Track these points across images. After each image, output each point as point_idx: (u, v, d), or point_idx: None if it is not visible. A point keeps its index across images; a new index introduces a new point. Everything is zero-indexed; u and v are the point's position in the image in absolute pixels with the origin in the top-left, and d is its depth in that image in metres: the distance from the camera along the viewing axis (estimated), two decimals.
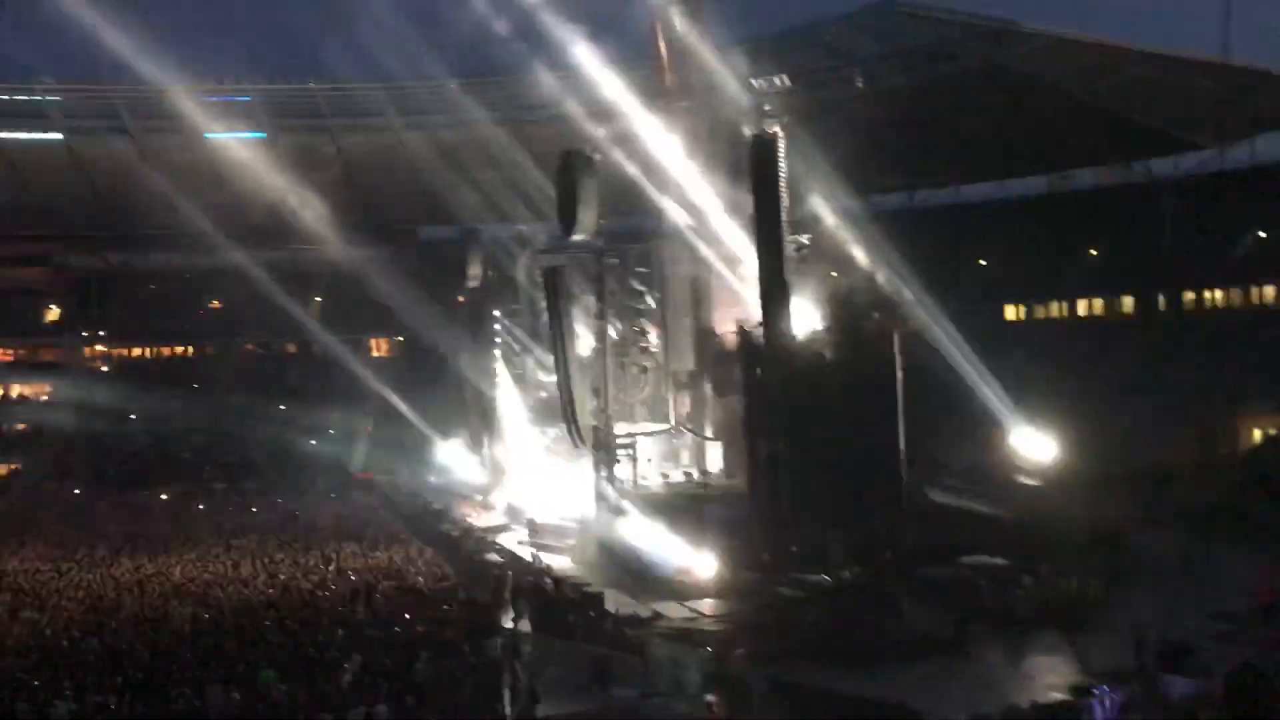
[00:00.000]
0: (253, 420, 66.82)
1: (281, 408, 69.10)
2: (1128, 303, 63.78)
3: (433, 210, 78.40)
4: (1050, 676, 23.60)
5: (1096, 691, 21.06)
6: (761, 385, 34.45)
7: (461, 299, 54.08)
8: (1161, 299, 62.14)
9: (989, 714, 19.69)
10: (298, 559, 36.75)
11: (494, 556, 38.83)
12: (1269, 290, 57.52)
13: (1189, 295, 61.25)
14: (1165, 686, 20.87)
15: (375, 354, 77.25)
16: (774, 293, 34.20)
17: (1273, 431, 47.81)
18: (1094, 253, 66.05)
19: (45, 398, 69.75)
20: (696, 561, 33.30)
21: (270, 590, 31.58)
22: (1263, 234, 58.50)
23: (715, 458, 41.33)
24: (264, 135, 73.87)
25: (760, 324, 34.76)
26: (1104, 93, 59.66)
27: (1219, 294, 60.24)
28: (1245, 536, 36.17)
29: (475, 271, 53.97)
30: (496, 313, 51.09)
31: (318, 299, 79.22)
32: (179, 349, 76.77)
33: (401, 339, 75.71)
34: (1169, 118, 60.28)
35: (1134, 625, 24.16)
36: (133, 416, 66.84)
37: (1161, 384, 52.70)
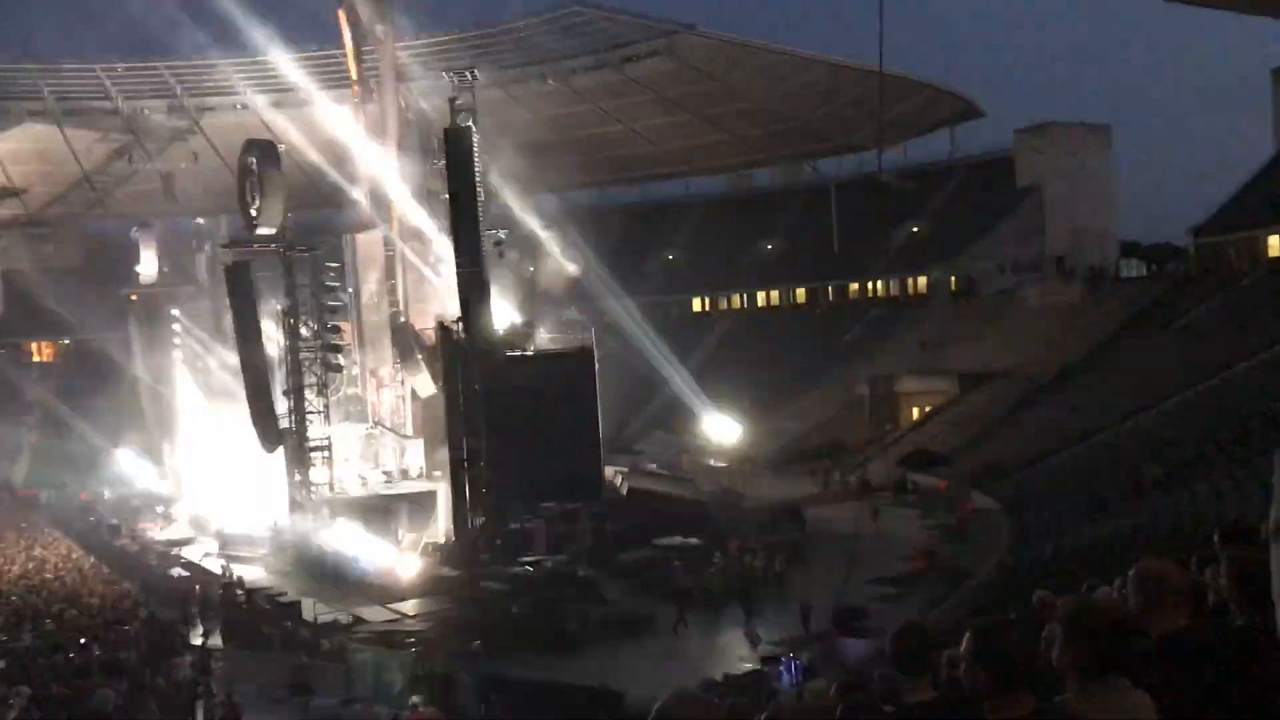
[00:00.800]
0: None
1: None
2: (800, 293, 68.24)
3: (100, 202, 72.76)
4: (741, 648, 25.05)
5: (783, 660, 22.58)
6: (462, 380, 34.36)
7: (134, 297, 50.52)
8: (830, 289, 66.88)
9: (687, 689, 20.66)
10: None
11: (179, 571, 36.63)
12: (921, 280, 63.17)
13: (854, 286, 66.26)
14: (842, 649, 22.65)
15: (37, 358, 70.69)
16: (473, 287, 34.16)
17: (927, 409, 52.56)
18: (770, 247, 70.31)
19: None
20: (398, 562, 32.89)
21: None
22: (914, 229, 64.25)
23: (416, 455, 40.85)
24: None
25: (459, 319, 34.66)
26: (777, 96, 63.56)
27: (879, 284, 65.55)
28: (906, 505, 39.76)
29: (149, 267, 50.54)
30: (175, 311, 48.13)
31: None
32: None
33: (68, 342, 69.72)
34: (833, 120, 65.02)
35: (800, 597, 26.14)
36: None
37: (834, 368, 56.90)
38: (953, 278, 61.57)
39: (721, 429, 50.49)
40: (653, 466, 48.90)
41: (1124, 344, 46.89)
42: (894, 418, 53.85)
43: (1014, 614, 7.54)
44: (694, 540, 32.70)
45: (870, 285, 65.98)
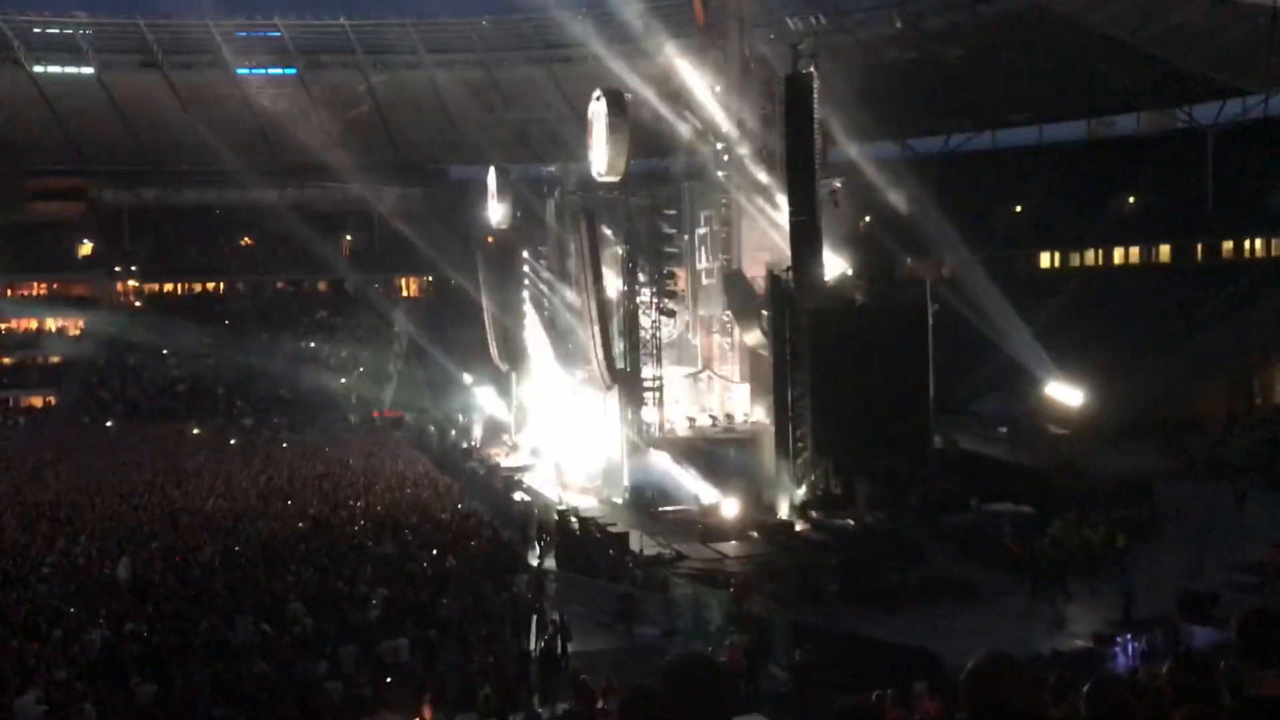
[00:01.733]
0: (283, 357, 67.38)
1: (311, 345, 69.58)
2: (1165, 251, 62.91)
3: (463, 150, 78.15)
4: (1074, 624, 23.61)
5: (1119, 639, 21.08)
6: (791, 329, 34.22)
7: (490, 239, 53.92)
8: (1199, 248, 61.23)
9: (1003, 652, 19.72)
10: (326, 494, 37.15)
11: (520, 495, 39.11)
12: None
13: (1228, 244, 60.30)
14: (1187, 636, 20.85)
15: (405, 293, 77.43)
16: (805, 236, 33.81)
17: None
18: (1132, 200, 65.10)
19: (78, 331, 70.48)
20: (721, 503, 33.47)
21: (299, 524, 31.96)
22: None
23: (742, 401, 41.27)
24: (294, 71, 73.64)
25: (790, 268, 34.46)
26: (1146, 36, 58.36)
27: (1259, 243, 59.26)
28: (1276, 489, 35.93)
29: (504, 212, 53.68)
30: (525, 254, 50.95)
31: (348, 237, 79.46)
32: (210, 285, 77.15)
33: (431, 279, 75.88)
34: (1213, 62, 58.94)
35: (1120, 584, 23.87)
36: (165, 351, 67.43)
37: (1197, 334, 52.13)
38: None
39: (1065, 394, 47.57)
40: (1003, 429, 46.79)
41: None
42: (1265, 391, 48.67)
43: None
44: (1026, 508, 31.08)
45: (1248, 244, 59.78)
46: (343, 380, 65.79)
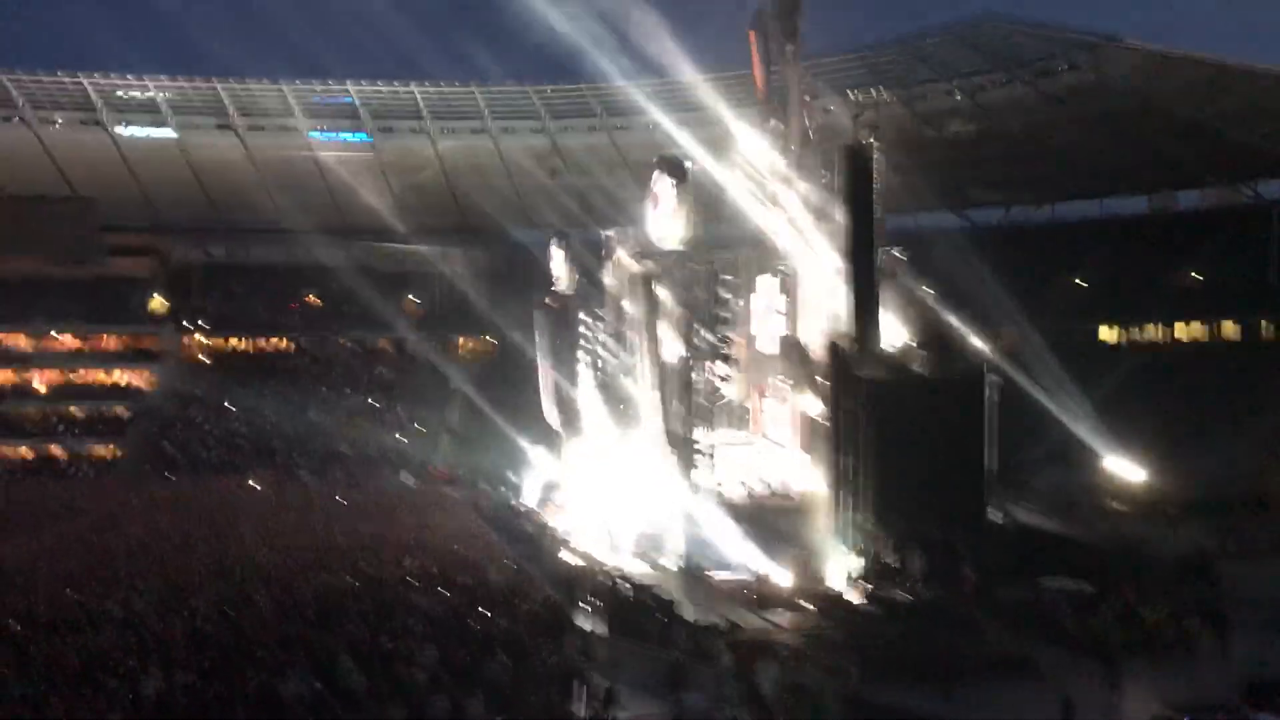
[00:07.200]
0: (342, 413, 68.22)
1: (371, 402, 70.41)
2: (1229, 327, 61.91)
3: (525, 213, 79.40)
4: (1132, 706, 23.02)
5: None
6: (848, 397, 34.09)
7: (549, 302, 54.45)
8: (1264, 324, 60.20)
9: None
10: (379, 551, 37.35)
11: (570, 557, 39.03)
12: None
13: None
14: None
15: (464, 353, 78.25)
16: (864, 304, 33.81)
17: None
18: (1196, 275, 64.33)
19: (146, 385, 71.90)
20: (774, 572, 33.19)
21: (352, 579, 32.12)
22: None
23: (796, 469, 41.04)
24: (365, 136, 75.48)
25: (849, 335, 34.43)
26: (1210, 111, 58.05)
27: None
28: None
29: (564, 275, 54.25)
30: (582, 316, 51.34)
31: (410, 297, 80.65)
32: (276, 341, 78.42)
33: (490, 339, 76.69)
34: (1278, 138, 58.43)
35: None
36: (228, 405, 68.54)
37: (1263, 412, 51.09)
38: None
39: (1126, 470, 46.74)
40: (1043, 503, 46.04)
41: None
42: None
43: None
44: (1085, 585, 30.47)
45: None
46: (399, 437, 66.37)
